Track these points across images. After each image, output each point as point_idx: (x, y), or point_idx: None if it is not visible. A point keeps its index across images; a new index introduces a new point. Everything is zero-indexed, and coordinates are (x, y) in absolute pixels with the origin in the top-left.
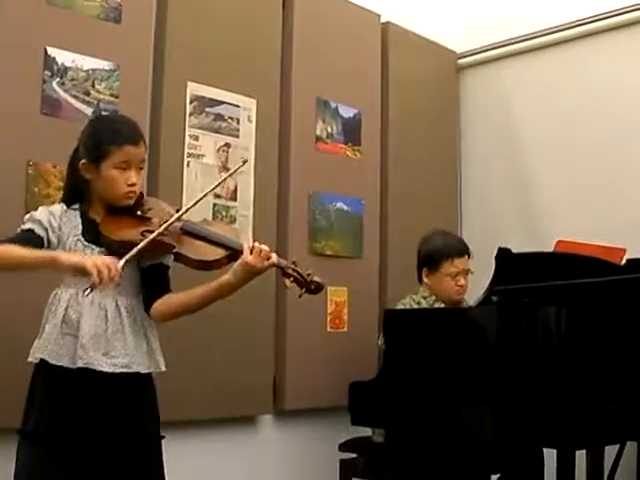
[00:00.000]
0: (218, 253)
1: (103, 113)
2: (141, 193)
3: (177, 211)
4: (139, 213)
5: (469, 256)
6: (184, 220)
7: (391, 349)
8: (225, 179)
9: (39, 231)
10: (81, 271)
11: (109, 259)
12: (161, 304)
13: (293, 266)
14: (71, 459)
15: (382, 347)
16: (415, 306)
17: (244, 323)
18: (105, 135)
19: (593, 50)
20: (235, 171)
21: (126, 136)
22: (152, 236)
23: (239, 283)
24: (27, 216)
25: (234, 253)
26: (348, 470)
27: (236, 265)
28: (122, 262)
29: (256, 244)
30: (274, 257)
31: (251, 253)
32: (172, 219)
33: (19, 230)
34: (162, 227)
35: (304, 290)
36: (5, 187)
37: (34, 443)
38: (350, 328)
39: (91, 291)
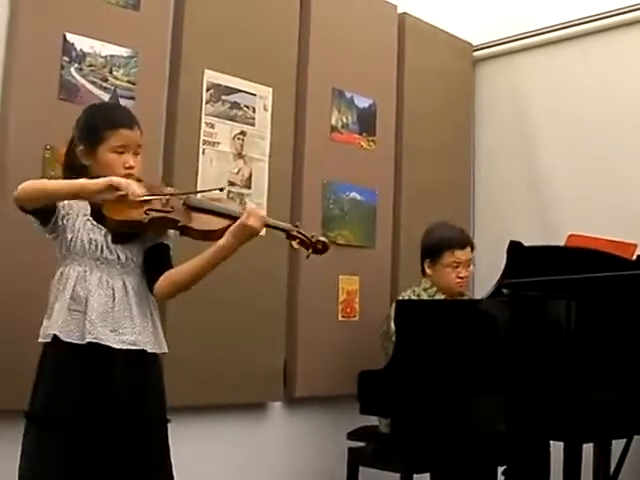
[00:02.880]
0: (221, 222)
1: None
2: (139, 179)
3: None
4: None
5: (472, 248)
6: (186, 196)
7: (402, 339)
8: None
9: None
10: (109, 188)
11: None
12: (163, 281)
13: (297, 228)
14: (77, 440)
15: (383, 339)
16: (414, 298)
17: (255, 310)
18: (100, 120)
19: (608, 45)
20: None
21: (121, 120)
22: (168, 195)
23: (235, 244)
24: None
25: (236, 220)
26: (356, 458)
27: (233, 227)
28: (144, 197)
29: (249, 206)
30: (265, 217)
31: (248, 217)
32: (177, 192)
33: None
34: (172, 194)
35: (311, 250)
36: (22, 171)
37: (40, 425)
38: (361, 317)
39: (149, 209)
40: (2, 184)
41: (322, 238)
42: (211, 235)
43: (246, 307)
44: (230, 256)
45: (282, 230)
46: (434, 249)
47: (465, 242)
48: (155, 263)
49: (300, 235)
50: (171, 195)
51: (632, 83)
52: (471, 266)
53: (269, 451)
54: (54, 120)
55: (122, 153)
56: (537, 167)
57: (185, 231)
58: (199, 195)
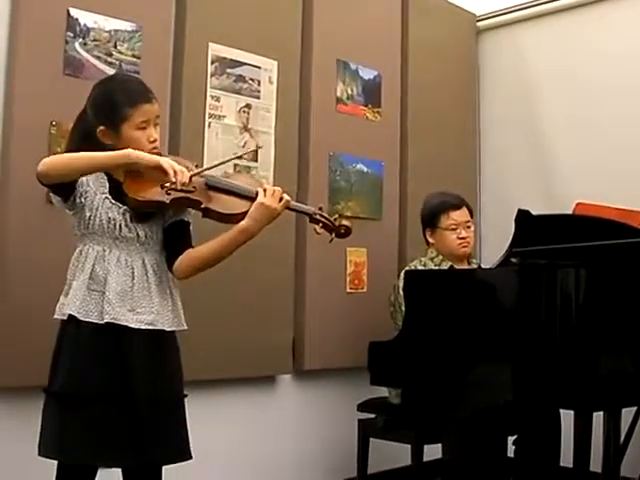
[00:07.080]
0: (244, 205)
1: (106, 76)
2: (159, 154)
3: (196, 166)
4: None
5: (470, 211)
6: (207, 175)
7: (411, 310)
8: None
9: None
10: (158, 169)
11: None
12: (183, 260)
13: (320, 212)
14: (97, 416)
15: (392, 310)
16: (421, 267)
17: (264, 284)
18: (119, 98)
19: (613, 13)
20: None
21: (140, 95)
22: (201, 170)
23: (256, 226)
24: None
25: None
26: (366, 430)
27: (252, 209)
28: (190, 174)
29: (267, 186)
30: (286, 197)
31: (264, 195)
32: (198, 170)
33: None
34: (198, 170)
35: (334, 234)
36: (28, 147)
37: (60, 402)
38: (369, 289)
39: (170, 188)
40: (8, 160)
41: (345, 222)
42: (233, 218)
43: (255, 281)
44: (251, 239)
45: (305, 213)
46: (431, 216)
47: (459, 203)
48: (175, 241)
49: (323, 219)
50: (207, 169)
51: (635, 50)
52: (471, 228)
53: (280, 424)
54: (59, 96)
55: (145, 128)
56: (543, 136)
57: (207, 213)
58: (220, 172)
